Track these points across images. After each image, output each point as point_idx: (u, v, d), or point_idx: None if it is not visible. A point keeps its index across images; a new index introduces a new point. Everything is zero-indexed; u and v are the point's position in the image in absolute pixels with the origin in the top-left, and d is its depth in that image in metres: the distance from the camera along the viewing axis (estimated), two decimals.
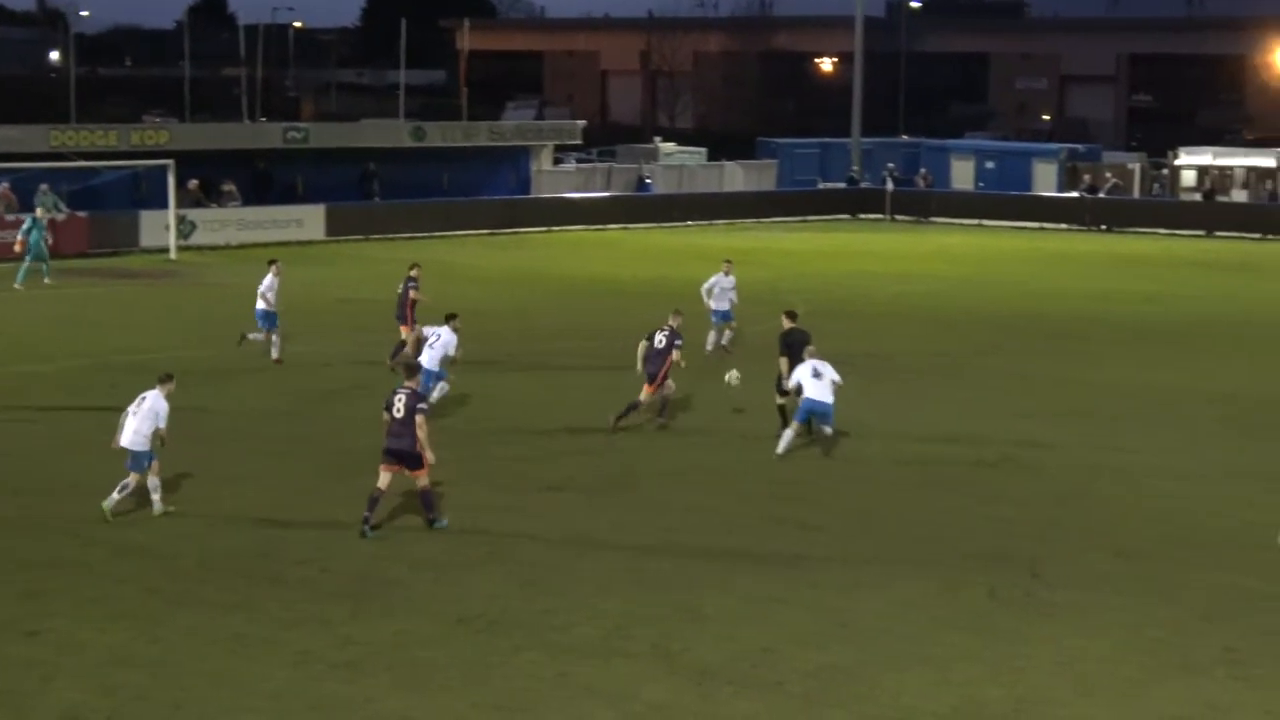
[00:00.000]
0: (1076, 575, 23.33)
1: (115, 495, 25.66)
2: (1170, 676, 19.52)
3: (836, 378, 30.37)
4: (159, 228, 64.26)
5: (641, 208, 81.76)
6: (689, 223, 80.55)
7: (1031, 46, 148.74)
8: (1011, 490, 28.41)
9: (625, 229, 77.74)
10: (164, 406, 25.81)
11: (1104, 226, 79.95)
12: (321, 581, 22.86)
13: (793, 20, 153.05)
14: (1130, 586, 22.87)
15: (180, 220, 64.77)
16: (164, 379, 26.31)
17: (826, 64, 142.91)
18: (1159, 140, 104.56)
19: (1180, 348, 44.55)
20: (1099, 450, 31.62)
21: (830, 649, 20.25)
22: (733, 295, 41.18)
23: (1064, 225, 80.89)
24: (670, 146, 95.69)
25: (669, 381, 32.66)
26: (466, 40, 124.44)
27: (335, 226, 70.55)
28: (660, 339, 32.38)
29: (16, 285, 52.24)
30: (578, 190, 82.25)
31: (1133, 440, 32.60)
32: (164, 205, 64.13)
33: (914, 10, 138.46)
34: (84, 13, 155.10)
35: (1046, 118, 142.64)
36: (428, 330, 34.94)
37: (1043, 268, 64.15)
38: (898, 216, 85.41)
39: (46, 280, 53.63)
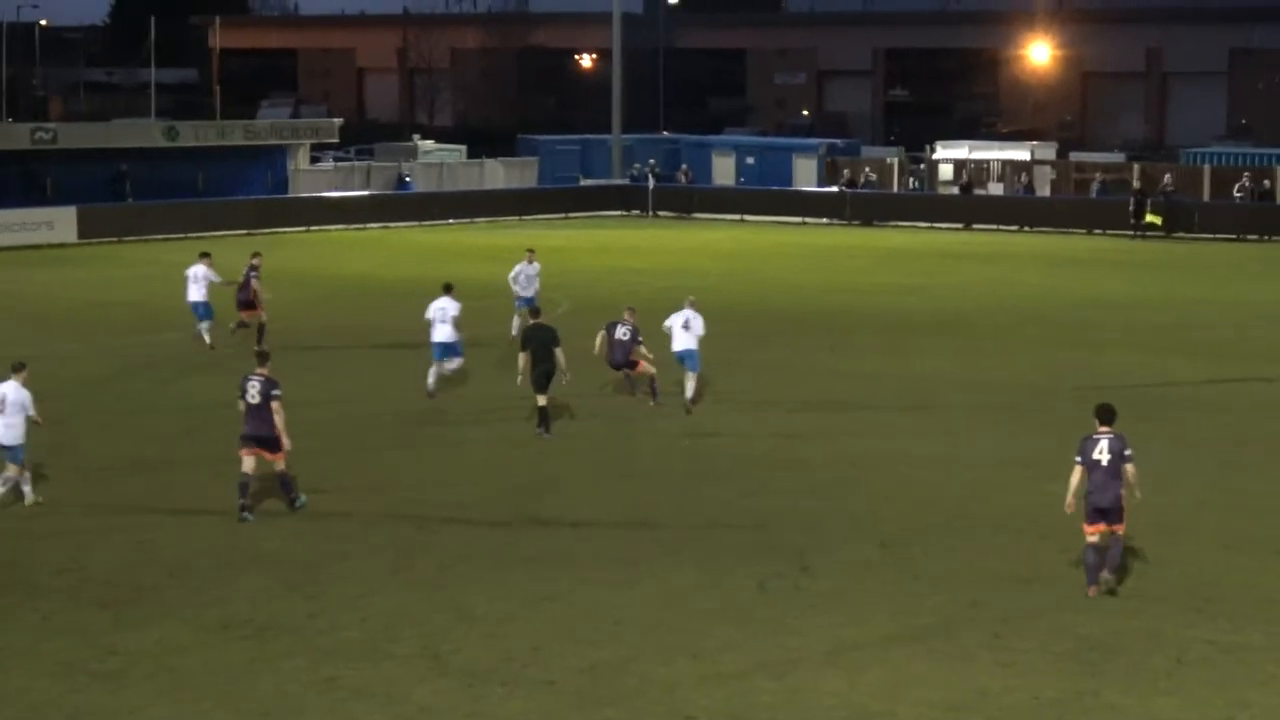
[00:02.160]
0: (844, 565, 23.56)
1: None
2: (940, 664, 19.77)
3: (701, 331, 34.18)
4: None
5: (401, 206, 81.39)
6: (450, 221, 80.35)
7: (789, 41, 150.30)
8: (777, 482, 28.62)
9: (385, 228, 77.32)
10: (26, 395, 26.35)
11: (864, 221, 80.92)
12: (81, 589, 22.45)
13: (551, 16, 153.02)
14: (897, 575, 23.15)
15: None
16: (17, 368, 26.69)
17: (586, 60, 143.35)
18: (916, 134, 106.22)
19: (941, 338, 45.15)
20: (863, 440, 31.99)
21: (602, 645, 20.26)
22: (537, 283, 42.51)
23: (825, 220, 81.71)
24: (429, 144, 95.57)
25: (648, 366, 34.35)
26: (219, 38, 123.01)
27: (88, 228, 69.38)
28: (624, 331, 34.07)
29: None
30: (336, 189, 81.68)
31: (896, 430, 33.02)
32: None
33: (671, 6, 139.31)
34: None
35: (805, 113, 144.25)
36: (434, 308, 35.46)
37: (805, 262, 64.78)
38: (660, 213, 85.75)
39: None
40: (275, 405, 25.68)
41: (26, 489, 26.62)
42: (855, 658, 19.92)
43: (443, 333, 35.19)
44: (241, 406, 26.00)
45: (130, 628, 20.91)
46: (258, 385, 25.81)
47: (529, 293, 42.16)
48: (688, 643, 20.32)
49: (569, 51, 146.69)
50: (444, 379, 35.48)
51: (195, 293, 41.12)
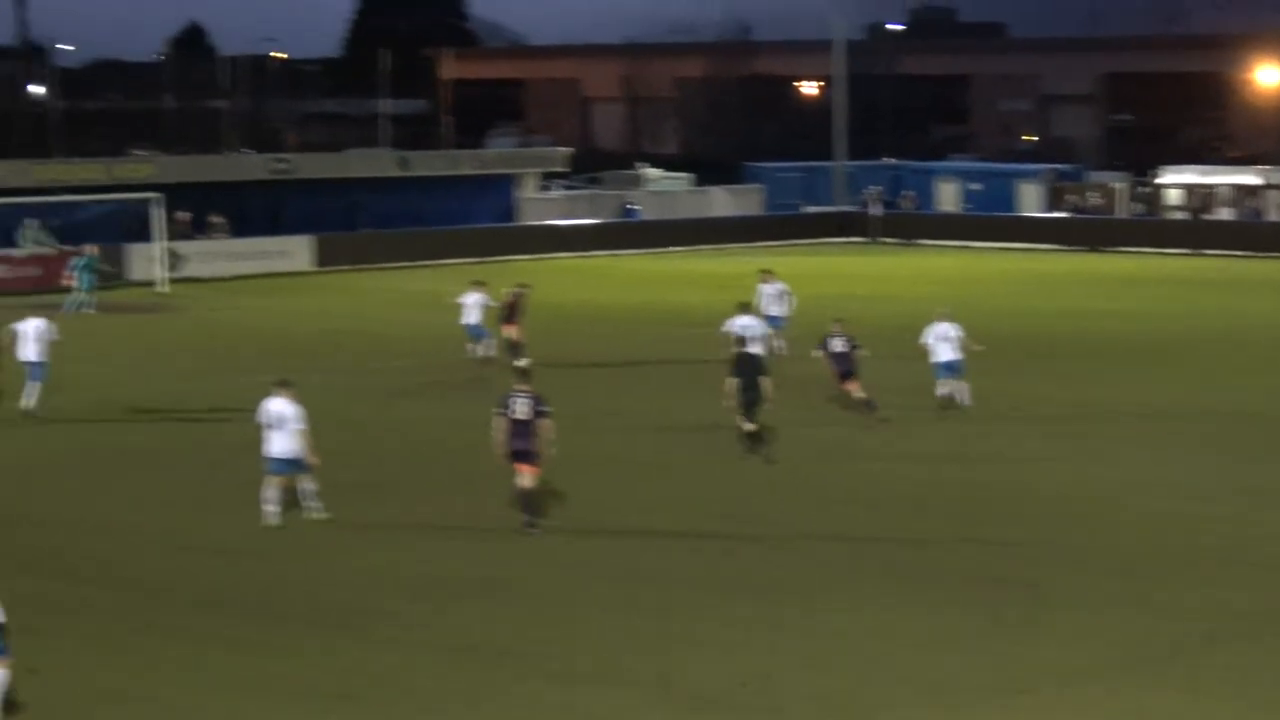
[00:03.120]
0: (1076, 595, 23.26)
1: None
2: (1174, 696, 19.43)
3: (961, 335, 36.36)
4: (146, 260, 64.28)
5: (627, 234, 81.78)
6: (675, 249, 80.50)
7: (1012, 67, 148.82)
8: (1005, 509, 28.37)
9: (612, 256, 77.73)
10: (298, 409, 27.08)
11: (1089, 246, 79.97)
12: (321, 611, 22.80)
13: (773, 44, 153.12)
14: (1130, 605, 22.78)
15: (169, 253, 64.75)
16: (284, 384, 27.51)
17: (808, 87, 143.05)
18: (1140, 159, 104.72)
19: (1168, 365, 44.55)
20: (1091, 468, 31.58)
21: (831, 673, 20.20)
22: (787, 300, 43.89)
23: (1050, 246, 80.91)
24: (655, 173, 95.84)
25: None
26: (449, 69, 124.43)
27: (323, 257, 70.62)
28: (840, 343, 35.58)
29: (65, 314, 51.76)
30: (563, 218, 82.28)
31: (1123, 457, 32.56)
32: (150, 238, 64.15)
33: (895, 32, 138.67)
34: (65, 46, 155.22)
35: (1030, 138, 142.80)
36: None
37: (1030, 288, 64.17)
38: (882, 239, 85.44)
39: (89, 311, 55.15)
40: (545, 423, 26.50)
41: (313, 503, 27.28)
42: (1087, 690, 19.66)
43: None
44: (501, 424, 26.49)
45: (370, 650, 21.21)
46: (525, 402, 26.47)
47: (779, 311, 43.15)
48: (917, 672, 20.20)
49: (792, 79, 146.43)
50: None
51: (471, 316, 43.88)
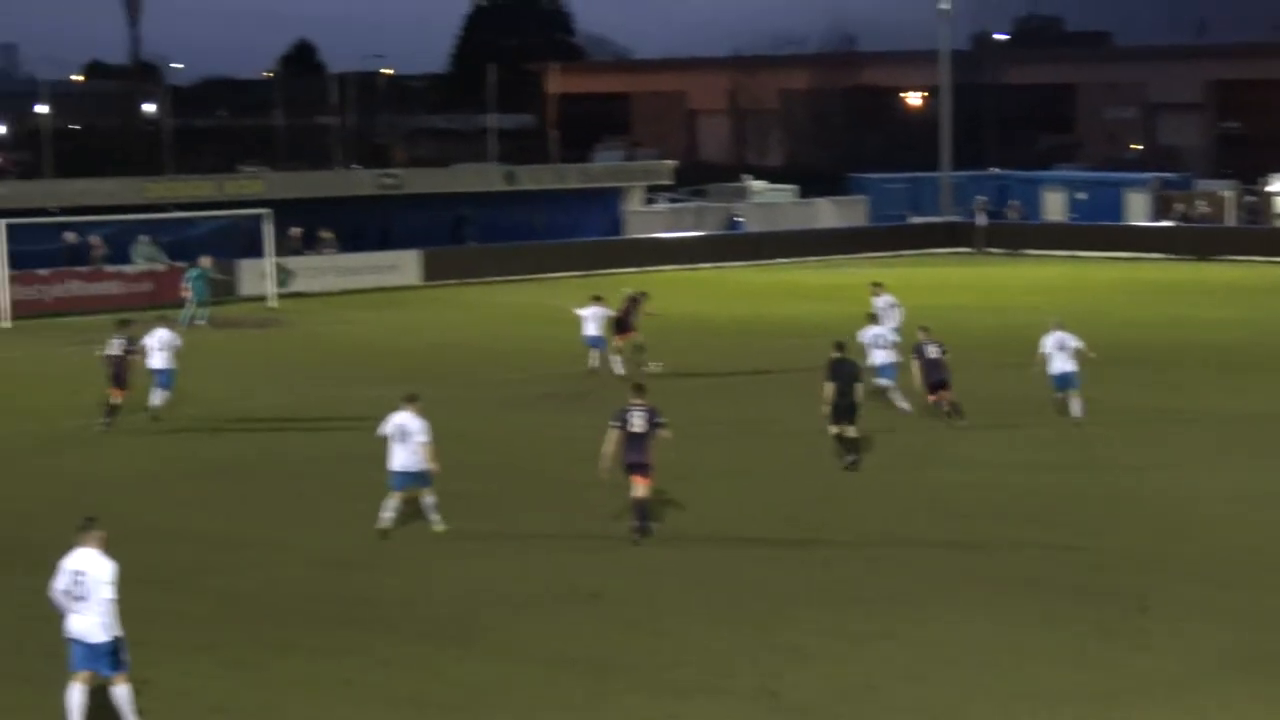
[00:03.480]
0: (1183, 606, 23.09)
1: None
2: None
3: (1078, 345, 36.42)
4: (257, 276, 64.80)
5: (733, 246, 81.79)
6: (780, 261, 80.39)
7: (1118, 75, 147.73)
8: (1110, 520, 28.18)
9: (718, 268, 77.72)
10: (423, 423, 27.51)
11: (1198, 255, 79.28)
12: (425, 624, 22.91)
13: (878, 55, 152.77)
14: (1237, 616, 22.59)
15: (279, 268, 65.26)
16: (411, 398, 27.93)
17: (913, 98, 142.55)
18: (1248, 167, 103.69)
19: (1277, 374, 44.12)
20: (1197, 478, 31.34)
21: (936, 685, 20.12)
22: (897, 313, 43.62)
23: (1157, 255, 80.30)
24: (760, 185, 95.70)
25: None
26: (555, 83, 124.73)
27: (430, 271, 71.00)
28: (934, 350, 36.26)
29: (180, 326, 52.30)
30: (669, 230, 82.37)
31: (1231, 467, 32.28)
32: (260, 254, 64.66)
33: (999, 42, 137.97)
34: (177, 65, 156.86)
35: (1136, 147, 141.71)
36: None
37: (1138, 297, 63.74)
38: (989, 249, 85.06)
39: (201, 323, 55.81)
40: (663, 434, 26.94)
41: (435, 515, 27.54)
42: (1194, 701, 19.51)
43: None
44: (614, 436, 26.77)
45: (475, 661, 21.30)
46: (642, 415, 26.79)
47: (889, 324, 42.47)
48: (1022, 684, 20.10)
49: (896, 89, 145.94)
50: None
51: (590, 328, 44.78)
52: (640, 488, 26.78)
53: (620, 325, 45.36)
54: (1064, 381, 36.52)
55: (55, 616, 18.89)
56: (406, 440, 27.28)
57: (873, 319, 39.56)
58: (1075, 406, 36.28)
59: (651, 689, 20.19)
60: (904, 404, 37.48)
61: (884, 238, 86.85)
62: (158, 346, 38.53)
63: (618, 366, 44.17)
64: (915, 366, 36.51)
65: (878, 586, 24.36)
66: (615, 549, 26.45)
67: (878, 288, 45.23)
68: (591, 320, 44.96)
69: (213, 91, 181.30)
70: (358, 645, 22.00)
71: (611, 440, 26.86)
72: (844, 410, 32.17)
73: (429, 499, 27.60)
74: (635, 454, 26.79)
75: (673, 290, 67.37)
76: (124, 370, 37.34)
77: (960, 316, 55.22)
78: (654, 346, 45.87)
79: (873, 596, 23.82)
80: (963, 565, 25.48)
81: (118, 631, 18.63)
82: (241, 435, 37.36)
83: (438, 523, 27.54)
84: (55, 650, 19.28)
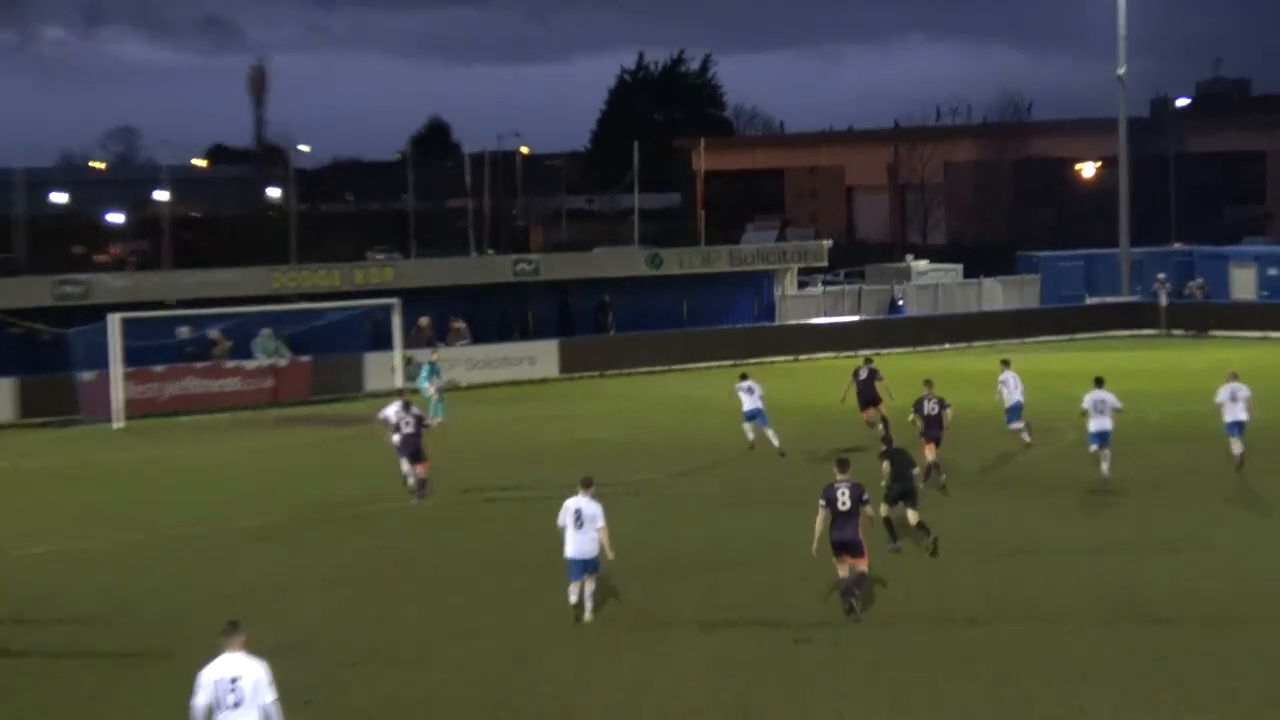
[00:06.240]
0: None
1: None
2: None
3: (1248, 394, 41.42)
4: (385, 370, 64.62)
5: (894, 331, 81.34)
6: (945, 346, 79.79)
7: None
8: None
9: (879, 355, 77.11)
10: (599, 508, 28.38)
11: None
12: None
13: (1049, 124, 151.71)
14: None
15: (407, 362, 64.61)
16: (587, 483, 28.70)
17: (1088, 169, 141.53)
18: None
19: None
20: None
21: None
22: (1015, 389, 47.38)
23: None
24: (923, 264, 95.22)
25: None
26: (703, 160, 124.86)
27: (569, 362, 70.97)
28: (931, 405, 40.96)
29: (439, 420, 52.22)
30: (825, 315, 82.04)
31: None
32: (389, 347, 64.55)
33: (1180, 108, 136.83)
34: (304, 147, 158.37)
35: None
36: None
37: None
38: (1172, 331, 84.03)
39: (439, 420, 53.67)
40: (868, 510, 27.96)
41: (589, 604, 28.15)
42: None
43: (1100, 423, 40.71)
44: (822, 514, 27.70)
45: None
46: (849, 491, 27.65)
47: (1011, 401, 47.10)
48: None
49: (1070, 160, 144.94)
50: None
51: (749, 404, 46.94)
52: (850, 566, 27.75)
53: (865, 397, 48.37)
54: (1238, 428, 40.82)
55: None
56: (584, 526, 27.85)
57: (1099, 382, 41.92)
58: (1240, 454, 40.97)
59: None
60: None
61: (1058, 320, 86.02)
62: (396, 420, 41.47)
63: (775, 440, 46.57)
64: (915, 420, 40.93)
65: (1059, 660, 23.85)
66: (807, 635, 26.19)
67: (1005, 364, 48.21)
68: (747, 395, 46.95)
69: (341, 175, 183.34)
70: None
71: (821, 520, 27.76)
72: (897, 494, 33.47)
73: (590, 585, 28.26)
74: (844, 531, 27.68)
75: (830, 379, 66.72)
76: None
77: (1139, 404, 54.29)
78: (814, 434, 45.78)
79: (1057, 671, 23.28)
80: (1153, 680, 24.87)
81: None
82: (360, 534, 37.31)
83: (589, 611, 28.12)
84: None
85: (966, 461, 44.13)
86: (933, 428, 40.75)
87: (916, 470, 34.45)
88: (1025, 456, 45.95)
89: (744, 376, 48.14)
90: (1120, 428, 41.61)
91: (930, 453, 40.45)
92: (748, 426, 47.23)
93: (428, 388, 55.48)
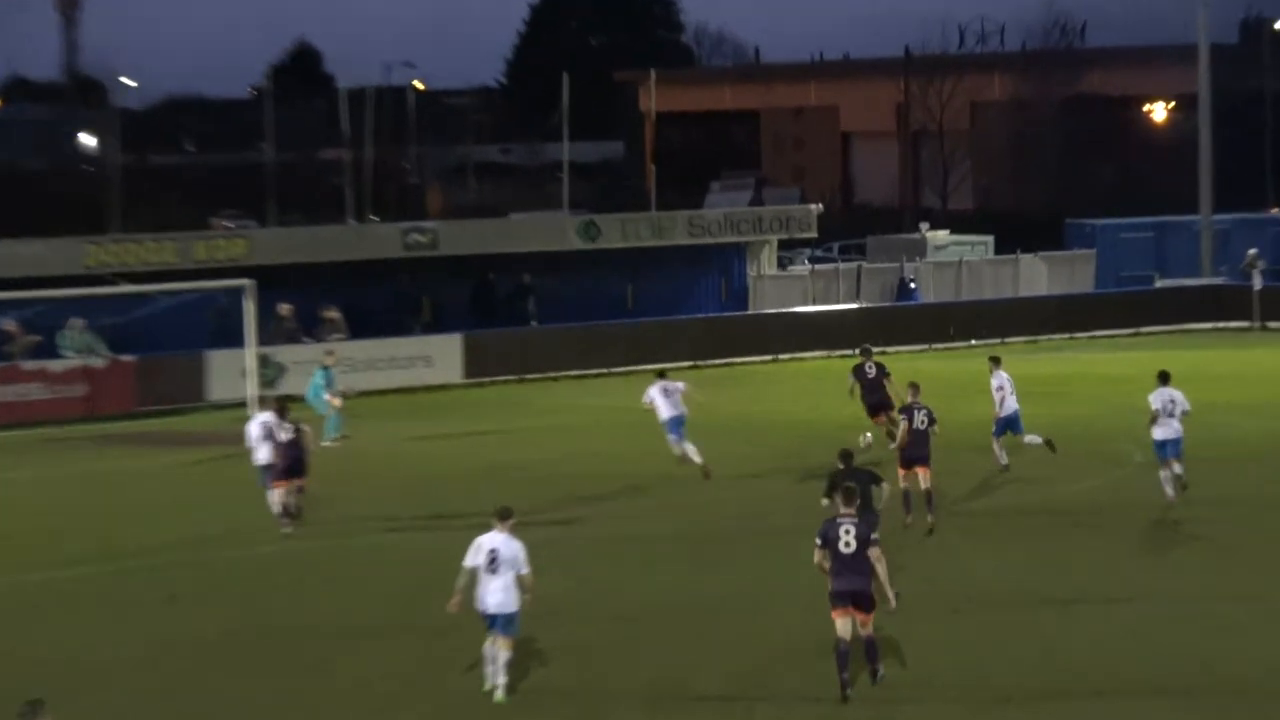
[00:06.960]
0: None
1: None
2: None
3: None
4: (233, 373, 63.97)
5: (904, 323, 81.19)
6: (972, 343, 79.61)
7: None
8: None
9: (883, 354, 77.14)
10: (519, 547, 28.56)
11: None
12: None
13: (1107, 52, 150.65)
14: None
15: (263, 363, 63.76)
16: (504, 515, 28.85)
17: (1157, 111, 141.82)
18: None
19: None
20: None
21: None
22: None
23: None
24: (942, 236, 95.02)
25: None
26: (653, 99, 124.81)
27: (477, 364, 70.78)
28: (921, 418, 41.84)
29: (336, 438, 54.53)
30: (814, 302, 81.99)
31: None
32: (239, 343, 63.52)
33: (1278, 33, 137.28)
34: (129, 81, 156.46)
35: None
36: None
37: None
38: (1269, 324, 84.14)
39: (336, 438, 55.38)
40: (875, 552, 27.50)
41: (502, 680, 28.08)
42: None
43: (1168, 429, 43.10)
44: (818, 557, 27.78)
45: None
46: (851, 529, 27.43)
47: (1010, 409, 48.42)
48: None
49: (1133, 100, 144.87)
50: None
51: (666, 410, 48.04)
52: (860, 624, 27.54)
53: (875, 399, 50.35)
54: None
55: None
56: (500, 571, 27.78)
57: (1164, 378, 44.59)
58: None
59: None
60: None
61: (1119, 309, 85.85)
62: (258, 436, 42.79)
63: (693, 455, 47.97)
64: (902, 430, 42.05)
65: None
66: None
67: (995, 363, 49.76)
68: (662, 403, 48.19)
69: (178, 117, 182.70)
70: None
71: (819, 561, 27.82)
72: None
73: (504, 653, 28.08)
74: (849, 580, 27.39)
75: (818, 386, 66.70)
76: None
77: (1219, 418, 54.60)
78: (804, 456, 46.04)
79: None
80: None
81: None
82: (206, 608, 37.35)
83: (504, 689, 28.04)
84: None
85: (995, 491, 44.44)
86: (920, 446, 41.53)
87: (884, 484, 34.57)
88: (1069, 486, 46.25)
89: (661, 374, 49.56)
90: (1199, 446, 42.03)
91: (923, 479, 41.38)
92: (673, 439, 48.16)
93: (326, 399, 55.55)
